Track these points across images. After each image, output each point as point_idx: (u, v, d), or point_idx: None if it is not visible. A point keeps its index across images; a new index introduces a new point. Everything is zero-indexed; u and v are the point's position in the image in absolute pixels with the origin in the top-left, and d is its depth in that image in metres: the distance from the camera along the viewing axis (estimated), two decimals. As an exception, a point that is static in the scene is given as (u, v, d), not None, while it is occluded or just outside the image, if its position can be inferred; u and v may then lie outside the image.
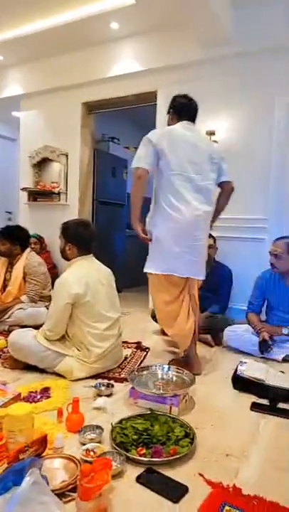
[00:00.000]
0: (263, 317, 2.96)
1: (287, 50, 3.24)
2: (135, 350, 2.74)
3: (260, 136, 3.43)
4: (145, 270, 2.38)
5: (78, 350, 2.20)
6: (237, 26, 3.32)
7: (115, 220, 5.12)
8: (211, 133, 3.51)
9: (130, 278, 5.20)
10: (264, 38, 3.27)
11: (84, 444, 1.46)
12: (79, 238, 2.29)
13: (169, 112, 2.49)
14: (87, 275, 2.22)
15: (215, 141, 3.54)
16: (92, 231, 2.37)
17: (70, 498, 1.19)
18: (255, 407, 1.92)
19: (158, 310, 2.45)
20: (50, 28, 3.79)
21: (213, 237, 3.31)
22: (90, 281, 2.20)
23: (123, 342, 2.66)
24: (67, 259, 2.34)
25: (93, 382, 2.08)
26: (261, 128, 3.42)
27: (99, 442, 1.50)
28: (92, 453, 1.40)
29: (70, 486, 1.21)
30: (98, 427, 1.57)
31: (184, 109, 2.42)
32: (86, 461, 1.34)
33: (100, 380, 2.10)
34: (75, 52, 4.23)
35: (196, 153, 2.27)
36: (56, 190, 4.52)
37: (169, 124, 2.45)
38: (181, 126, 2.34)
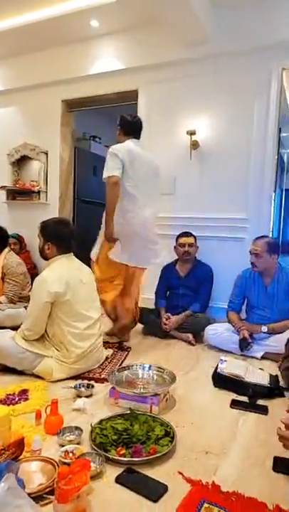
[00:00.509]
0: (243, 315, 2.99)
1: (265, 51, 3.27)
2: (116, 350, 2.73)
3: (240, 136, 3.46)
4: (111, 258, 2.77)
5: (58, 350, 2.17)
6: (217, 26, 3.34)
7: (97, 219, 5.06)
8: (192, 133, 3.53)
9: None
10: (243, 38, 3.30)
11: (63, 446, 1.44)
12: (58, 236, 2.26)
13: (117, 129, 2.94)
14: (67, 274, 2.19)
15: (196, 141, 3.57)
16: (72, 229, 2.34)
17: (47, 501, 1.17)
18: (234, 404, 1.93)
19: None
20: (29, 24, 3.73)
21: (194, 236, 3.34)
22: (71, 280, 2.18)
23: (104, 342, 2.64)
24: (46, 258, 2.30)
25: (73, 383, 2.05)
26: (241, 128, 3.45)
27: (78, 444, 1.49)
28: (70, 454, 1.38)
29: (48, 489, 1.19)
30: (77, 428, 1.55)
31: (130, 127, 2.91)
32: (65, 463, 1.32)
33: (79, 381, 2.08)
34: (55, 49, 4.18)
35: (147, 169, 2.82)
36: (36, 189, 4.45)
37: (117, 140, 2.91)
38: (133, 144, 2.82)
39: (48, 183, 4.49)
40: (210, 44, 3.40)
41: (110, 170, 2.68)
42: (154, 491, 1.25)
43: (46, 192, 4.50)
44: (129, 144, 2.81)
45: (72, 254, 2.34)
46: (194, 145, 3.58)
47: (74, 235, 2.33)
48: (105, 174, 2.70)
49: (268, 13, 3.19)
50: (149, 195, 2.81)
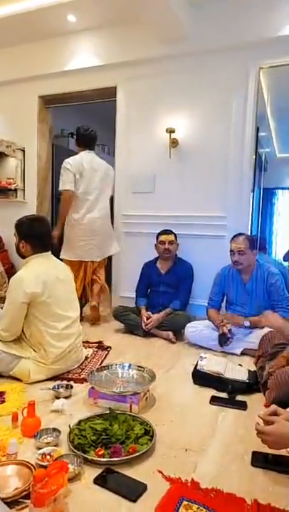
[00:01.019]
0: (223, 313, 3.01)
1: (243, 49, 3.29)
2: (96, 349, 2.70)
3: (219, 134, 3.47)
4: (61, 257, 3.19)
5: (35, 351, 2.12)
6: (195, 24, 3.33)
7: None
8: (171, 130, 3.52)
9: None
10: (221, 36, 3.31)
11: (40, 449, 1.41)
12: (34, 234, 2.20)
13: (75, 141, 3.48)
14: (44, 273, 2.14)
15: (175, 139, 3.57)
16: (48, 227, 2.28)
17: (23, 506, 1.14)
18: (214, 400, 1.94)
19: None
20: (4, 17, 3.63)
21: (174, 233, 3.35)
22: (48, 280, 2.13)
23: (84, 342, 2.62)
24: (23, 256, 2.24)
25: (51, 384, 2.02)
26: (219, 127, 3.46)
27: (56, 446, 1.46)
28: (48, 457, 1.36)
29: (24, 493, 1.17)
30: (55, 429, 1.53)
31: (84, 139, 3.40)
32: (42, 466, 1.29)
33: (58, 382, 2.05)
34: (31, 44, 4.09)
35: (99, 175, 3.34)
36: (12, 187, 4.35)
37: (77, 151, 3.43)
38: (85, 155, 3.34)
39: (26, 180, 4.40)
40: (188, 41, 3.40)
41: (64, 184, 3.19)
42: (132, 491, 1.24)
43: (24, 190, 4.41)
44: (82, 155, 3.32)
45: (49, 252, 2.29)
46: (174, 143, 3.58)
47: (50, 233, 2.28)
48: (60, 187, 3.23)
49: (246, 11, 3.20)
50: (101, 197, 3.36)
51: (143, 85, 3.74)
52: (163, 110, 3.67)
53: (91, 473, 1.33)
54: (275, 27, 3.11)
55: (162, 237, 3.31)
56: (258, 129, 3.47)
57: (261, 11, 3.16)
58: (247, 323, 2.69)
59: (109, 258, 4.07)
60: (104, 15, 3.58)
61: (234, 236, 2.85)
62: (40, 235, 2.22)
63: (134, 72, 3.74)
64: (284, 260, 1.90)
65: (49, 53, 4.05)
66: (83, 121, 5.63)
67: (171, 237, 3.31)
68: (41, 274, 2.13)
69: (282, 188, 6.20)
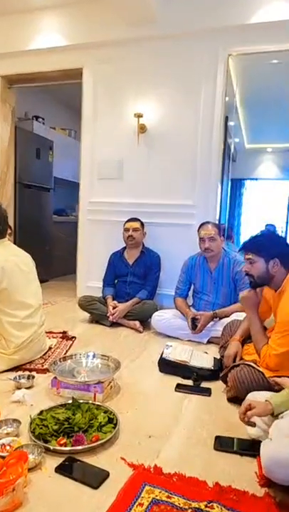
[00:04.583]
0: (190, 301, 3.04)
1: (212, 35, 3.27)
2: (61, 339, 2.64)
3: (188, 122, 3.45)
4: None
5: (-5, 341, 2.05)
6: (164, 7, 3.26)
7: (41, 204, 4.89)
8: (139, 115, 3.47)
9: (57, 267, 5.02)
10: (190, 21, 3.27)
11: (-1, 439, 1.37)
12: None
13: None
14: (3, 260, 2.04)
15: (143, 125, 3.52)
16: (3, 212, 2.15)
17: (-20, 497, 1.09)
18: (179, 387, 1.95)
19: None
20: None
21: (140, 221, 3.31)
22: (7, 267, 2.04)
23: (48, 332, 2.56)
24: None
25: (12, 375, 1.95)
26: (188, 114, 3.44)
27: (16, 436, 1.42)
28: (7, 447, 1.32)
29: (-19, 485, 1.12)
30: (15, 420, 1.49)
31: None
32: (0, 457, 1.25)
33: (20, 373, 1.99)
34: (-6, 20, 3.89)
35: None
36: (-29, 171, 4.16)
37: None
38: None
39: (-14, 164, 4.21)
40: (156, 25, 3.33)
41: None
42: (94, 478, 1.23)
43: (-17, 174, 4.22)
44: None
45: (6, 239, 2.18)
46: (142, 129, 3.53)
47: (6, 218, 2.17)
48: None
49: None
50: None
51: (110, 68, 3.65)
52: (131, 94, 3.60)
53: (53, 462, 1.30)
54: (246, 14, 3.10)
55: (127, 225, 3.28)
56: (226, 119, 3.48)
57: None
58: (217, 319, 2.69)
59: (75, 247, 4.00)
60: (71, -7, 3.45)
61: (202, 224, 2.86)
62: None
63: (101, 54, 3.63)
64: (239, 251, 1.94)
65: (12, 30, 3.85)
66: (48, 104, 5.51)
67: (136, 225, 3.28)
68: None
69: (251, 179, 6.33)
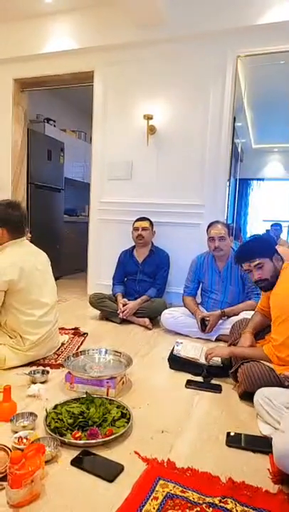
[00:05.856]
0: (199, 300, 3.06)
1: (221, 37, 3.28)
2: (72, 336, 2.69)
3: (196, 123, 3.47)
4: None
5: (11, 337, 2.09)
6: (173, 10, 3.29)
7: (52, 204, 4.95)
8: (149, 117, 3.50)
9: (68, 265, 5.09)
10: (199, 23, 3.29)
11: (16, 432, 1.40)
12: (9, 220, 2.12)
13: None
14: (21, 260, 2.09)
15: (153, 126, 3.55)
16: (23, 212, 2.20)
17: (0, 488, 1.13)
18: (189, 384, 1.98)
19: None
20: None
21: (150, 221, 3.35)
22: (25, 267, 2.08)
23: (60, 328, 2.60)
24: None
25: (27, 369, 2.00)
26: (197, 115, 3.46)
27: (32, 429, 1.45)
28: (24, 440, 1.35)
29: (1, 475, 1.16)
30: (32, 414, 1.52)
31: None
32: (18, 449, 1.28)
33: (34, 368, 2.03)
34: (6, 25, 3.95)
35: None
36: (-15, 172, 4.23)
37: None
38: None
39: (0, 166, 4.28)
40: (165, 27, 3.36)
41: None
42: (109, 472, 1.25)
43: (-3, 175, 4.29)
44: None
45: (24, 238, 2.23)
46: (151, 130, 3.56)
47: (25, 218, 2.21)
48: None
49: (224, -1, 3.19)
50: None
51: (120, 71, 3.69)
52: (141, 97, 3.64)
53: (68, 455, 1.33)
54: (254, 15, 3.12)
55: (136, 224, 3.32)
56: (234, 119, 3.49)
57: (240, -1, 3.15)
58: (225, 318, 2.71)
59: (84, 246, 4.05)
60: (82, -3, 3.49)
61: (211, 223, 2.88)
62: (16, 220, 2.14)
63: (111, 57, 3.68)
64: (242, 263, 2.02)
65: (25, 35, 3.92)
66: (59, 106, 5.58)
67: (145, 224, 3.31)
68: (18, 261, 2.07)
69: (258, 179, 6.31)
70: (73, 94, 5.03)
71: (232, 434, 1.50)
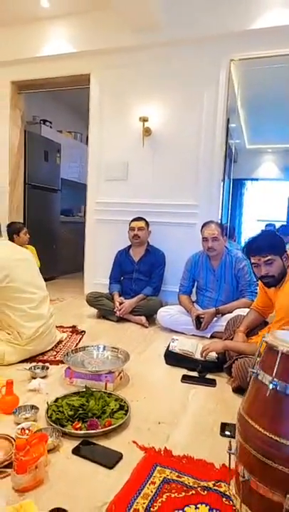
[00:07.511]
0: (194, 298, 3.12)
1: (215, 41, 3.36)
2: (71, 333, 2.74)
3: (191, 125, 3.54)
4: None
5: (8, 333, 2.14)
6: (168, 15, 3.36)
7: (49, 205, 5.00)
8: (144, 119, 3.57)
9: (63, 265, 5.13)
10: (193, 27, 3.36)
11: (19, 424, 1.45)
12: None
13: None
14: (3, 258, 2.13)
15: (148, 128, 3.62)
16: None
17: (5, 474, 1.19)
18: (185, 378, 2.04)
19: None
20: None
21: (145, 221, 3.41)
22: (7, 264, 2.12)
23: (58, 327, 2.65)
24: None
25: (27, 365, 2.06)
26: (191, 117, 3.54)
27: (34, 421, 1.51)
28: (27, 431, 1.40)
29: (6, 463, 1.22)
30: (33, 406, 1.57)
31: None
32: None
33: (34, 363, 2.09)
34: (4, 29, 4.01)
35: None
36: (-18, 174, 4.27)
37: None
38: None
39: (-4, 167, 4.33)
40: (160, 31, 3.43)
41: None
42: (109, 459, 1.32)
43: (-6, 177, 4.34)
44: None
45: (3, 237, 2.27)
46: (147, 132, 3.63)
47: None
48: None
49: (218, 4, 3.26)
50: None
51: (116, 74, 3.75)
52: (136, 99, 3.70)
53: (69, 445, 1.39)
54: (247, 20, 3.20)
55: (132, 224, 3.38)
56: (228, 121, 3.56)
57: (233, 4, 3.23)
58: (219, 316, 2.79)
59: (80, 246, 4.10)
60: (78, 1, 3.54)
61: (205, 223, 2.94)
62: None
63: (107, 60, 3.74)
64: (251, 256, 2.00)
65: (22, 38, 3.98)
66: (55, 108, 5.62)
67: (141, 224, 3.37)
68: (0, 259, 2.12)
69: (251, 179, 6.40)
70: (69, 96, 5.08)
71: (225, 424, 1.56)
